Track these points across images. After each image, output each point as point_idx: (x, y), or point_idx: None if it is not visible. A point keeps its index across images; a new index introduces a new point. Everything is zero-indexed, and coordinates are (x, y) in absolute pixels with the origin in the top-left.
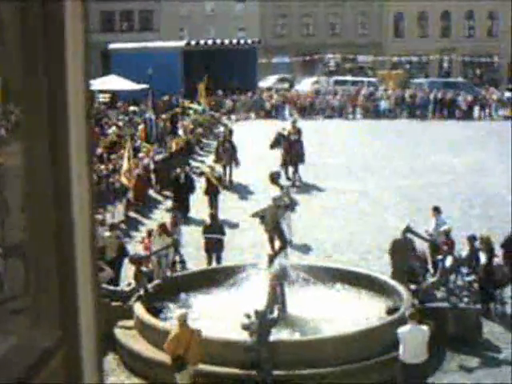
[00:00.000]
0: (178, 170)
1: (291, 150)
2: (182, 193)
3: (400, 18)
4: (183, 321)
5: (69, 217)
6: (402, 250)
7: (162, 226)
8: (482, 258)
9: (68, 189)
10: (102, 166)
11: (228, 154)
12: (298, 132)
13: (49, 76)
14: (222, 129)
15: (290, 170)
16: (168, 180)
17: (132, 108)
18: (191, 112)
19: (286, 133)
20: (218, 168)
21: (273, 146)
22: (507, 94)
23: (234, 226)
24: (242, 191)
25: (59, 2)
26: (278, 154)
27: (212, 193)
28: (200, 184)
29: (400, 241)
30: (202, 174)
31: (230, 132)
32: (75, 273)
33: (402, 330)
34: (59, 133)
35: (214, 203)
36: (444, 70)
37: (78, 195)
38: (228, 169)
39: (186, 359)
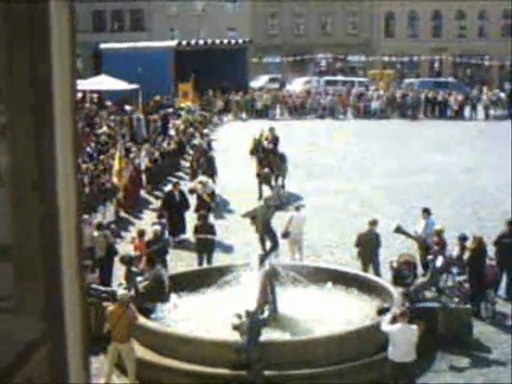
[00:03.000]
0: (171, 188)
1: (265, 160)
2: (176, 212)
3: (391, 17)
4: (121, 300)
5: (54, 213)
6: (367, 242)
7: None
8: (467, 255)
9: (54, 185)
10: (93, 167)
11: (202, 169)
12: (275, 140)
13: (35, 74)
14: (198, 140)
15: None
16: (158, 185)
17: (128, 107)
18: (182, 112)
19: (262, 139)
20: (210, 184)
21: (252, 152)
22: (497, 94)
23: (225, 226)
24: (232, 191)
25: (45, 1)
26: None
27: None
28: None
29: (366, 234)
30: (192, 191)
31: (209, 144)
32: (61, 266)
33: (392, 329)
34: (45, 131)
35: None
36: (435, 70)
37: (64, 191)
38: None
39: (112, 335)
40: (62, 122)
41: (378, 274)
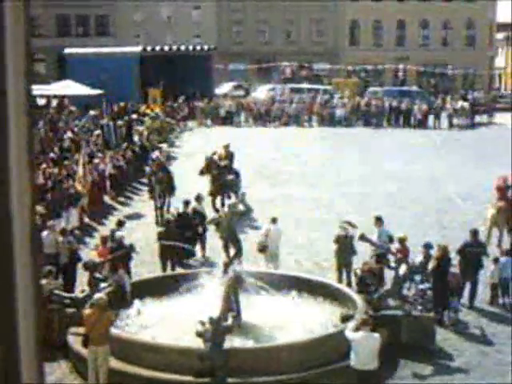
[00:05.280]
0: (183, 207)
1: (220, 177)
2: (189, 233)
3: (355, 26)
4: (96, 304)
5: (7, 216)
6: (343, 244)
7: (115, 265)
8: (431, 264)
9: (7, 186)
10: (56, 171)
11: (163, 184)
12: (231, 157)
13: None
14: (156, 153)
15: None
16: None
17: (92, 112)
18: (146, 119)
19: (216, 157)
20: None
21: (203, 172)
22: (460, 104)
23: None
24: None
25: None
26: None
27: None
28: None
29: (342, 236)
30: (195, 212)
31: (168, 158)
32: (14, 268)
33: (354, 337)
34: None
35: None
36: (399, 78)
37: (18, 193)
38: (162, 201)
39: (89, 338)
40: (16, 125)
41: (350, 276)
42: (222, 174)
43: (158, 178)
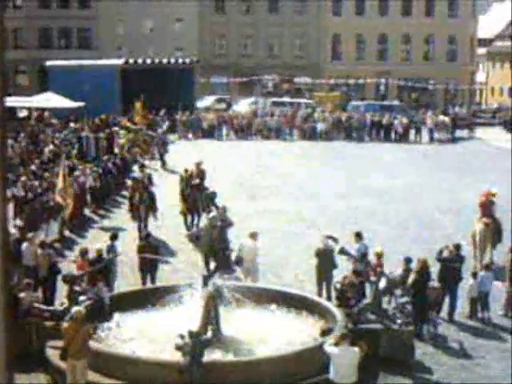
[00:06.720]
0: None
1: (190, 197)
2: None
3: (337, 40)
4: (75, 317)
5: None
6: (323, 257)
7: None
8: (411, 277)
9: None
10: (36, 183)
11: (144, 205)
12: (202, 175)
13: None
14: (137, 172)
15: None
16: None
17: (72, 125)
18: (122, 132)
19: (188, 175)
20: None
21: (183, 191)
22: (441, 118)
23: (169, 246)
24: (176, 212)
25: None
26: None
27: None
28: None
29: (322, 250)
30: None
31: (149, 178)
32: None
33: (333, 351)
34: None
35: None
36: (380, 93)
37: None
38: (144, 222)
39: (68, 352)
40: None
41: (329, 289)
42: (192, 193)
43: (141, 198)
